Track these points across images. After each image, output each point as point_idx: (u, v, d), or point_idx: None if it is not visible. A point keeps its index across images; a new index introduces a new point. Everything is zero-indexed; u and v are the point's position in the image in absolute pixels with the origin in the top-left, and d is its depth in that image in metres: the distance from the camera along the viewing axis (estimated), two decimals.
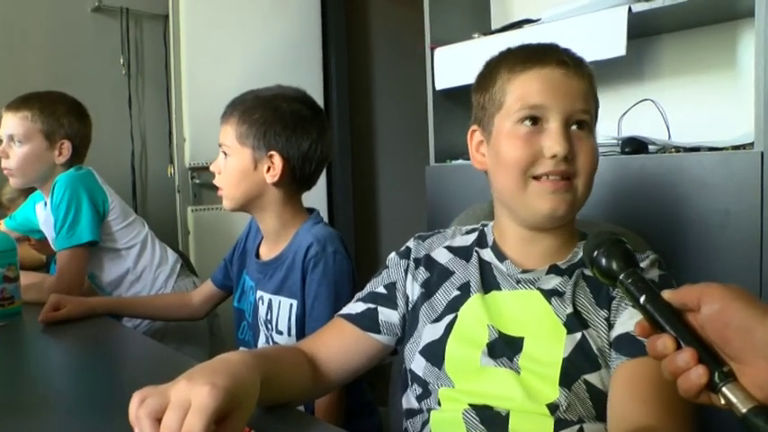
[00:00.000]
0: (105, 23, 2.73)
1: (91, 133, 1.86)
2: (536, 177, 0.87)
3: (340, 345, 0.99)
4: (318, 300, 1.24)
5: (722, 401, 0.56)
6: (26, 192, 2.02)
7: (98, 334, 1.40)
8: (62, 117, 1.78)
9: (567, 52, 0.92)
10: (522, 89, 0.89)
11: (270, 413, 0.82)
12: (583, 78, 0.90)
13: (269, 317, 1.32)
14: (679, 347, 0.58)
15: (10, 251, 1.46)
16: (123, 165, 2.76)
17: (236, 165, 1.30)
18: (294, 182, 1.33)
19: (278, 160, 1.28)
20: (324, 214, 2.89)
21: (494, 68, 0.95)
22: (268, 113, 1.28)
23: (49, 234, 1.83)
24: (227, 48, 2.83)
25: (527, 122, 0.88)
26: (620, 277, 0.66)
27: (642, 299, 0.62)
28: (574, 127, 0.88)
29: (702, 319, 0.58)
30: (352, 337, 0.99)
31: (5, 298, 1.44)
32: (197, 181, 2.81)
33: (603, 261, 0.68)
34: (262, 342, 1.35)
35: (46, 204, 1.81)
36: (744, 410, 0.54)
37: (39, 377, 1.12)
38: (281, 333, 1.30)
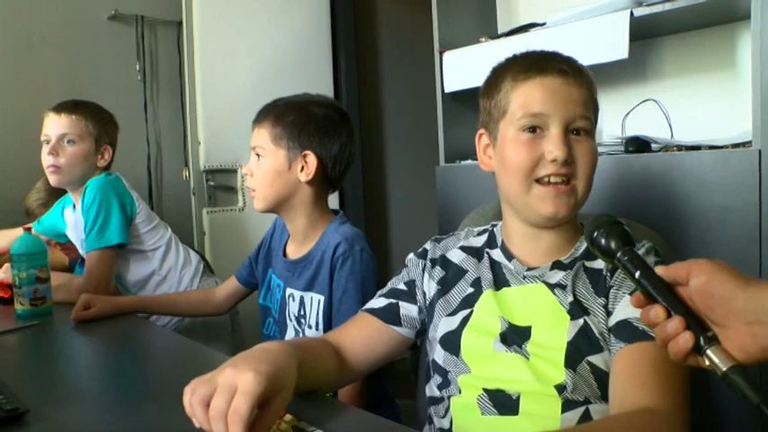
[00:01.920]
0: (121, 30, 2.79)
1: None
2: (539, 180, 0.93)
3: (364, 336, 1.05)
4: (346, 295, 1.30)
5: (706, 363, 0.63)
6: (55, 198, 2.07)
7: (127, 330, 1.46)
8: (108, 124, 1.88)
9: (567, 61, 0.97)
10: (525, 97, 0.94)
11: (304, 400, 0.87)
12: (582, 86, 0.95)
13: (302, 312, 1.37)
14: (669, 316, 0.65)
15: (41, 253, 1.53)
16: (139, 168, 2.82)
17: (271, 165, 1.35)
18: (324, 182, 1.39)
19: (312, 159, 1.34)
20: None
21: (499, 76, 1.00)
22: (302, 116, 1.35)
23: (78, 237, 1.89)
24: (239, 52, 2.88)
25: (530, 129, 0.94)
26: (618, 255, 0.73)
27: (637, 274, 0.69)
28: (573, 132, 0.94)
29: (691, 291, 0.65)
30: (375, 330, 1.05)
31: (38, 298, 1.51)
32: (211, 183, 2.85)
33: (603, 241, 0.75)
34: (290, 337, 1.40)
35: (75, 208, 1.88)
36: (724, 369, 0.61)
37: (73, 371, 1.18)
38: (310, 327, 1.36)
